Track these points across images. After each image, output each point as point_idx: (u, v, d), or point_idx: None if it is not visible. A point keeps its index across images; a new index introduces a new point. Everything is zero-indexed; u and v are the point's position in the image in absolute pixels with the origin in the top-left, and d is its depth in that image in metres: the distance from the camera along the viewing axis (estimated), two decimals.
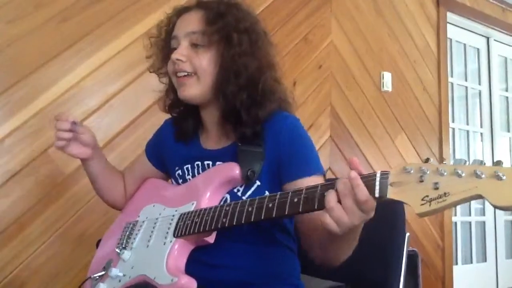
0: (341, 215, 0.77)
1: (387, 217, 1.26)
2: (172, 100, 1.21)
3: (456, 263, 3.52)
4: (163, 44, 1.16)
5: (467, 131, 3.82)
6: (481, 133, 3.88)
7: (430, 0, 3.41)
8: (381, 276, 1.25)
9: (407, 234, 1.27)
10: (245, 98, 1.06)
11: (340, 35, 2.85)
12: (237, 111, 1.06)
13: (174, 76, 1.11)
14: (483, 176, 0.64)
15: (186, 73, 1.07)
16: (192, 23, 1.10)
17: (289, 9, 2.62)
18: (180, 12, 1.15)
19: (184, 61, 1.07)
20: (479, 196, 0.64)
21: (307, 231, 1.00)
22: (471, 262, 3.69)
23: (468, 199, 0.65)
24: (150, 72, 1.22)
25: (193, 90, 1.08)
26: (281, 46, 2.50)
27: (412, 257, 1.77)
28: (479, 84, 3.92)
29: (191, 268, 1.00)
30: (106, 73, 1.99)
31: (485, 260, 3.76)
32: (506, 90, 4.15)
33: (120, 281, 1.07)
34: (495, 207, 0.63)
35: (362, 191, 0.75)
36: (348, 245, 0.91)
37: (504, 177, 0.62)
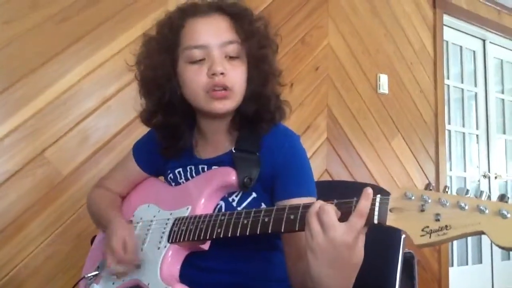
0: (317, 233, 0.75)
1: None
2: (150, 109, 1.12)
3: (452, 265, 3.53)
4: (169, 47, 1.04)
5: (463, 133, 3.83)
6: (477, 135, 3.90)
7: (426, 2, 3.42)
8: (377, 278, 1.26)
9: (403, 236, 1.27)
10: (278, 100, 1.09)
11: (337, 37, 2.86)
12: (271, 113, 1.06)
13: (204, 91, 1.01)
14: (486, 211, 0.62)
15: (224, 88, 1.00)
16: (224, 31, 1.02)
17: (286, 11, 2.63)
18: (192, 13, 1.04)
19: (225, 75, 1.00)
20: (481, 233, 0.62)
21: (295, 254, 0.96)
22: (467, 264, 3.70)
23: (470, 235, 0.64)
24: (138, 80, 1.11)
25: (232, 103, 1.03)
26: (278, 48, 2.50)
27: (408, 259, 1.78)
28: (475, 86, 3.94)
29: (186, 272, 0.99)
30: (104, 74, 1.99)
31: (480, 262, 3.77)
32: (502, 92, 4.17)
33: (113, 283, 1.06)
34: (498, 246, 0.61)
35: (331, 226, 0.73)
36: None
37: (508, 215, 0.61)
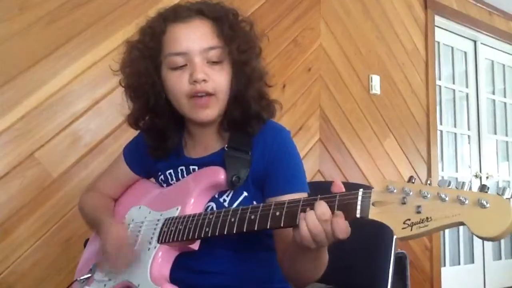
0: (319, 232, 0.77)
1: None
2: (136, 113, 1.12)
3: (444, 265, 3.54)
4: (152, 54, 1.04)
5: (455, 134, 3.85)
6: (469, 136, 3.92)
7: (418, 4, 3.44)
8: (369, 278, 1.26)
9: (395, 236, 1.27)
10: (263, 100, 1.08)
11: (329, 38, 2.86)
12: (257, 114, 1.06)
13: (186, 97, 1.02)
14: (466, 202, 0.62)
15: (206, 94, 1.01)
16: (205, 37, 1.02)
17: (279, 12, 2.63)
18: (173, 19, 1.03)
19: (207, 81, 1.00)
20: (461, 224, 0.63)
21: (283, 246, 0.98)
22: (459, 264, 3.72)
23: (450, 226, 0.64)
24: (123, 86, 1.11)
25: (215, 111, 1.04)
26: (270, 49, 2.51)
27: (401, 259, 1.78)
28: (467, 87, 3.96)
29: (177, 273, 0.99)
30: (94, 75, 1.98)
31: (472, 261, 3.79)
32: (493, 93, 4.20)
33: (105, 285, 1.06)
34: (477, 237, 0.61)
35: (341, 231, 0.75)
36: (316, 265, 0.91)
37: (487, 205, 0.61)
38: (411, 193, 0.67)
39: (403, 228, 0.66)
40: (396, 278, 1.36)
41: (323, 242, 0.78)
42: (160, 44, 1.04)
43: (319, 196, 0.79)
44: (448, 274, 3.47)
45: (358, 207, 0.73)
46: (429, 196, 0.66)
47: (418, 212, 0.66)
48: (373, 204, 0.71)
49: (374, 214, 0.71)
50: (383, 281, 1.24)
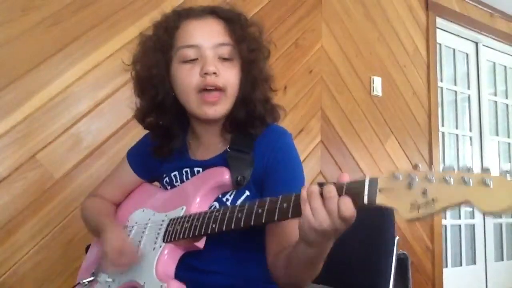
0: (320, 208, 0.77)
1: (376, 220, 1.27)
2: (143, 109, 1.14)
3: (446, 266, 3.54)
4: (164, 48, 1.07)
5: (457, 135, 3.85)
6: (470, 137, 3.92)
7: (419, 5, 3.44)
8: (371, 279, 1.26)
9: (397, 238, 1.27)
10: (268, 104, 1.10)
11: (330, 39, 2.86)
12: (261, 116, 1.08)
13: (196, 91, 1.03)
14: (471, 182, 0.65)
15: (216, 89, 1.03)
16: (218, 34, 1.05)
17: (280, 14, 2.63)
18: (187, 16, 1.07)
19: (218, 75, 1.02)
20: (467, 202, 0.65)
21: (276, 248, 0.99)
22: (461, 265, 3.71)
23: (456, 205, 0.66)
24: (133, 78, 1.14)
25: (223, 108, 1.05)
26: (272, 51, 2.50)
27: (402, 260, 1.79)
28: (468, 88, 3.96)
29: (181, 273, 1.00)
30: (96, 77, 1.98)
31: (474, 262, 3.79)
32: (495, 95, 4.19)
33: (109, 286, 1.07)
34: (483, 212, 0.64)
35: (348, 208, 0.75)
36: (313, 265, 0.90)
37: (491, 184, 0.63)
38: (416, 178, 0.69)
39: (410, 211, 0.68)
40: (398, 279, 1.36)
41: (325, 223, 0.76)
42: (172, 38, 1.06)
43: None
44: (450, 275, 3.46)
45: (366, 194, 0.74)
46: (434, 179, 0.68)
47: (424, 195, 0.68)
48: (379, 191, 0.73)
49: (380, 199, 0.73)
50: (385, 283, 1.24)
